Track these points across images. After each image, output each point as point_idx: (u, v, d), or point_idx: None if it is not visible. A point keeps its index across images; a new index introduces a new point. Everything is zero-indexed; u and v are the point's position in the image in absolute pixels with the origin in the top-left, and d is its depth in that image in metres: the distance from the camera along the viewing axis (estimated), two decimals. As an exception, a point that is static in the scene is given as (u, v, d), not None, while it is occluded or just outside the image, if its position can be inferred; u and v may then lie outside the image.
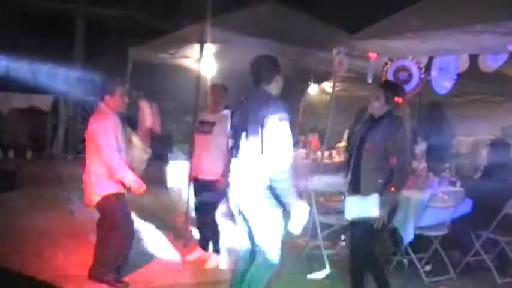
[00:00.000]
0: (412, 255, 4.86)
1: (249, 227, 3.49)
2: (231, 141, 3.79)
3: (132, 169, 4.25)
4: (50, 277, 4.14)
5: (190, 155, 5.12)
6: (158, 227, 6.12)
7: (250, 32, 6.38)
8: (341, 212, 5.17)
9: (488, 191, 5.08)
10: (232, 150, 3.60)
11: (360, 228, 3.87)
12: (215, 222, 4.86)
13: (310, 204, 5.33)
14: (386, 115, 3.91)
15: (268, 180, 3.31)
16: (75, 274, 4.36)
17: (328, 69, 6.23)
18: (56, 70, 12.06)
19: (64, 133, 12.53)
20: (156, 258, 5.01)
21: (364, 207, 3.77)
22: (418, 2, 5.28)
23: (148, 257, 4.99)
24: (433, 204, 4.78)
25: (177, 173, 6.37)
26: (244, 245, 3.62)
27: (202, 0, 5.56)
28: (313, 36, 6.84)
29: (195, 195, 5.01)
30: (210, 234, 4.91)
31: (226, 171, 3.75)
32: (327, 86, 9.48)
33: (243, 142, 3.44)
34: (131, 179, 4.16)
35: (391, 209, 3.83)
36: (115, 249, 4.24)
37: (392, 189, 3.74)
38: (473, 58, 5.24)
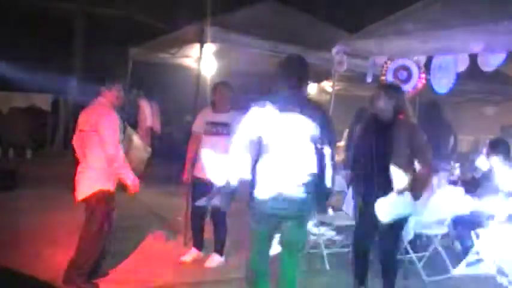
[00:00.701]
0: (412, 254, 4.86)
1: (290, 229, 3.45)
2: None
3: (132, 168, 4.23)
4: (50, 277, 4.14)
5: (189, 155, 4.98)
6: (158, 226, 6.14)
7: (250, 32, 6.38)
8: (341, 212, 5.22)
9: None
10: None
11: (392, 228, 3.92)
12: (225, 224, 4.84)
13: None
14: (395, 117, 3.94)
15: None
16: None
17: (328, 68, 6.23)
18: (56, 70, 12.07)
19: (64, 132, 12.54)
20: (156, 258, 5.01)
21: (399, 207, 3.83)
22: (418, 1, 5.29)
23: (147, 257, 4.99)
24: (433, 203, 4.79)
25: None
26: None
27: (202, 0, 5.56)
28: (313, 36, 6.85)
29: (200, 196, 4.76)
30: (221, 235, 4.88)
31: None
32: (327, 85, 9.49)
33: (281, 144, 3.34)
34: (129, 176, 4.12)
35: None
36: (91, 250, 4.12)
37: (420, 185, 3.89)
38: (473, 58, 5.25)
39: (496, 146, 5.29)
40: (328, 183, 3.39)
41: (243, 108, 3.64)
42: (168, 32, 8.33)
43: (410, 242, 4.82)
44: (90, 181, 4.10)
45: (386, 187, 3.84)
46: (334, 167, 3.42)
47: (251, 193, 3.41)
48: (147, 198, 7.22)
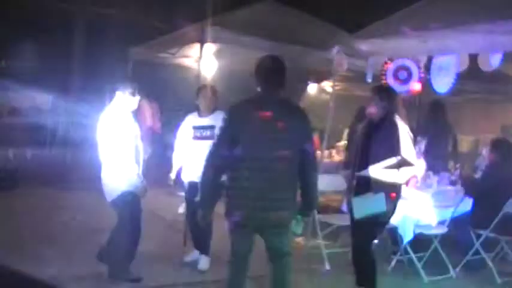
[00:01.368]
0: (412, 255, 4.86)
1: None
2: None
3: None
4: (50, 277, 4.14)
5: (178, 161, 5.09)
6: (158, 226, 6.14)
7: (250, 31, 6.38)
8: (341, 211, 5.23)
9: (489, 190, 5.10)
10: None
11: (365, 225, 3.96)
12: (210, 225, 4.72)
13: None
14: (384, 118, 4.03)
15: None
16: (76, 274, 4.36)
17: (328, 68, 6.23)
18: (56, 70, 12.06)
19: (64, 132, 12.53)
20: (156, 258, 5.01)
21: (372, 205, 3.88)
22: (418, 1, 5.29)
23: (147, 257, 4.99)
24: (432, 203, 4.79)
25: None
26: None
27: (202, 0, 5.56)
28: (313, 35, 6.84)
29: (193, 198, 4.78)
30: (206, 236, 4.85)
31: None
32: (327, 85, 9.50)
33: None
34: (141, 180, 4.27)
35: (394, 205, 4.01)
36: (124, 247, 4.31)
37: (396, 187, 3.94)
38: (473, 57, 5.25)
39: (498, 145, 5.31)
40: (311, 185, 3.37)
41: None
42: (168, 32, 8.34)
43: (410, 242, 4.82)
44: (114, 184, 4.26)
45: (366, 186, 3.95)
46: (315, 168, 3.40)
47: (228, 198, 3.38)
48: (147, 198, 7.20)
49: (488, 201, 4.94)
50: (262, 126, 3.24)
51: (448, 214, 4.96)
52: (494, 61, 5.05)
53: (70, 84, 12.47)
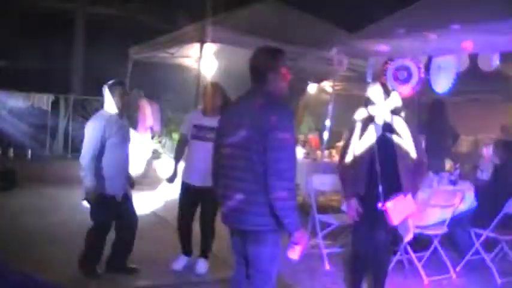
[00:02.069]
0: (412, 254, 4.86)
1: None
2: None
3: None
4: (50, 277, 4.14)
5: (178, 159, 4.81)
6: (158, 226, 6.14)
7: (250, 31, 6.39)
8: (341, 211, 5.22)
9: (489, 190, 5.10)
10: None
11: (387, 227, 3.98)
12: (213, 229, 4.66)
13: (310, 204, 5.37)
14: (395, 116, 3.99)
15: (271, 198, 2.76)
16: (76, 274, 4.36)
17: (328, 68, 6.24)
18: (56, 69, 12.05)
19: (64, 132, 12.53)
20: (156, 258, 5.01)
21: (406, 207, 3.90)
22: (417, 1, 5.29)
23: (147, 257, 4.99)
24: (432, 203, 4.79)
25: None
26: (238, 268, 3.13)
27: (202, 0, 5.57)
28: (313, 35, 6.85)
29: (193, 201, 4.67)
30: (209, 239, 4.72)
31: None
32: (327, 85, 9.50)
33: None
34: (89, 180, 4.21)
35: None
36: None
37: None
38: (473, 58, 5.26)
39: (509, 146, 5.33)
40: (271, 187, 2.76)
41: None
42: (168, 32, 8.35)
43: (410, 242, 4.82)
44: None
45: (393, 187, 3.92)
46: (280, 172, 2.75)
47: None
48: (147, 198, 7.23)
49: (496, 202, 4.93)
50: (235, 122, 2.93)
51: (448, 214, 4.95)
52: (494, 61, 5.05)
53: (70, 84, 12.46)
